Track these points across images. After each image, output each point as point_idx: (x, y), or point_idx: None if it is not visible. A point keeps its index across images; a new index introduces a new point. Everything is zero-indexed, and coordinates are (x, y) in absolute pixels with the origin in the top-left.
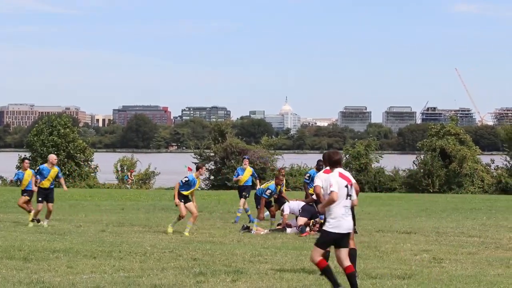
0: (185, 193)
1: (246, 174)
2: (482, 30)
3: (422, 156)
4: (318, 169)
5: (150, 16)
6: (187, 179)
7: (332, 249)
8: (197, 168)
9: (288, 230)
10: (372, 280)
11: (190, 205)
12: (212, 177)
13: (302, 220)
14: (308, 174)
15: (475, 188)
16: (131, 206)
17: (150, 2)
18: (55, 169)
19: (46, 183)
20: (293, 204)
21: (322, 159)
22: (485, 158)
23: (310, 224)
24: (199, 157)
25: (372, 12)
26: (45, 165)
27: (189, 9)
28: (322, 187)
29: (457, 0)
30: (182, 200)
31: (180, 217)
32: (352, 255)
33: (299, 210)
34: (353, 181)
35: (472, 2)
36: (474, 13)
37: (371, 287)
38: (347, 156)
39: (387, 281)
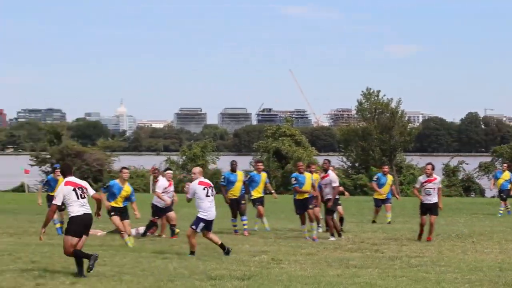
0: None
1: None
2: (315, 30)
3: (258, 157)
4: (233, 170)
5: None
6: None
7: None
8: None
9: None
10: (211, 281)
11: None
12: None
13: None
14: (223, 176)
15: None
16: None
17: None
18: None
19: None
20: None
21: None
22: (321, 159)
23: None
24: (35, 159)
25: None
26: None
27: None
28: None
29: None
30: None
31: None
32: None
33: None
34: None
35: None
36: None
37: None
38: (183, 157)
39: (227, 282)
